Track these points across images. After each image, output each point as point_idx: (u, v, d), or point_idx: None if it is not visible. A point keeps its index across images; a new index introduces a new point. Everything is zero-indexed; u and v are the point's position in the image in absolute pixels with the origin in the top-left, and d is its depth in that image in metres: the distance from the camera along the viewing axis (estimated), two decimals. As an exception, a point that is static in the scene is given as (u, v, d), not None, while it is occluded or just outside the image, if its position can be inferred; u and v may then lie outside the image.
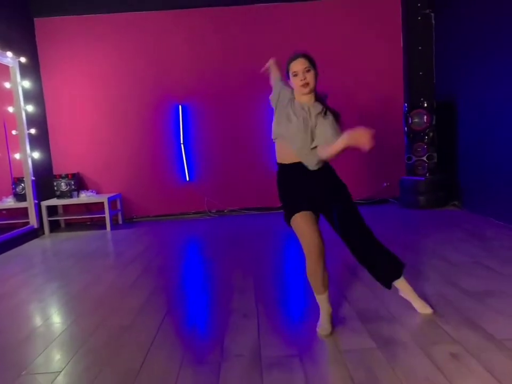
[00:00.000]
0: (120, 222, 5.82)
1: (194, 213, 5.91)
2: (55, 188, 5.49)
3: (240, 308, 2.57)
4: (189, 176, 5.84)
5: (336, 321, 2.28)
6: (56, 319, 2.63)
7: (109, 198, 5.40)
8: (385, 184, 5.83)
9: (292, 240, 4.06)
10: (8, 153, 5.11)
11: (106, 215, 5.36)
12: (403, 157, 5.59)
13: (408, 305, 2.39)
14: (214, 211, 5.89)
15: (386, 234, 4.14)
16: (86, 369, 2.00)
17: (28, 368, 2.04)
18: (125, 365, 2.02)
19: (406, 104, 5.42)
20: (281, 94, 2.40)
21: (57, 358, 2.13)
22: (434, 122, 5.22)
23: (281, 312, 2.48)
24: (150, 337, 2.26)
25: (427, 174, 5.29)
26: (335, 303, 2.52)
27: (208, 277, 3.32)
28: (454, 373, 1.74)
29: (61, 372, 1.98)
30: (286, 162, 2.28)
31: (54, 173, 5.71)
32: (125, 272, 3.50)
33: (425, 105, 5.25)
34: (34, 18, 5.55)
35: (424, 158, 5.28)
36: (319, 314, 2.25)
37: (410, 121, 5.32)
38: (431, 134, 5.26)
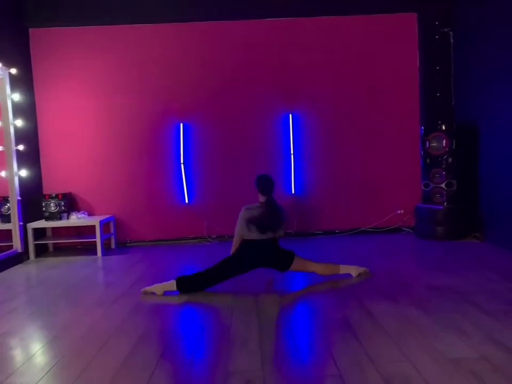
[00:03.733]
0: (113, 246, 5.41)
1: (193, 238, 5.49)
2: (44, 209, 5.09)
3: (242, 369, 2.13)
4: (188, 198, 5.45)
5: (361, 393, 1.85)
6: (20, 379, 2.19)
7: (101, 221, 5.00)
8: (399, 211, 5.42)
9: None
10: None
11: (98, 239, 4.95)
12: (419, 183, 5.20)
13: (450, 375, 1.95)
14: (214, 236, 5.47)
15: (404, 270, 3.74)
16: None
17: None
18: None
19: (422, 127, 5.06)
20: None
21: None
22: (454, 146, 4.84)
23: (296, 376, 2.05)
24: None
25: (445, 203, 4.89)
26: (355, 362, 2.08)
27: (206, 320, 2.88)
28: None
29: None
30: None
31: (44, 193, 5.33)
32: (111, 310, 3.07)
33: (444, 128, 4.89)
34: (29, 29, 5.25)
35: (443, 185, 4.89)
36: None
37: (427, 145, 4.94)
38: (450, 159, 4.88)
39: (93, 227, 5.01)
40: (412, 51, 5.36)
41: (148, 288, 3.41)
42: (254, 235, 3.39)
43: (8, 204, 4.82)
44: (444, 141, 4.85)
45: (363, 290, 3.25)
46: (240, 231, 3.45)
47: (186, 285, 3.33)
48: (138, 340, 2.54)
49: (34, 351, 2.47)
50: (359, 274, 3.54)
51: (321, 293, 3.29)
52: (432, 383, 1.91)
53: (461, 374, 1.97)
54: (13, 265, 4.60)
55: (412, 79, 5.37)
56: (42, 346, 2.54)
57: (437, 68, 5.18)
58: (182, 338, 2.58)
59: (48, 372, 2.21)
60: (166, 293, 3.35)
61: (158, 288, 3.37)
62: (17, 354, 2.45)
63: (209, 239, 5.44)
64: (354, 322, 2.63)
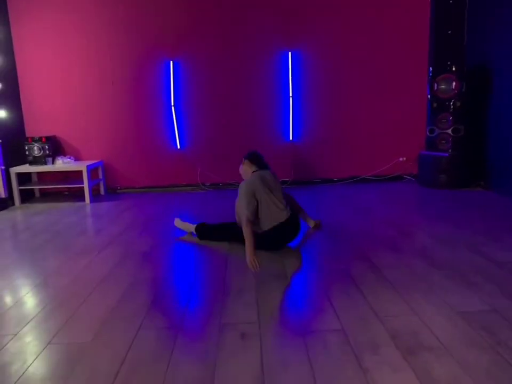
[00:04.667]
0: (102, 193, 5.19)
1: (185, 186, 5.27)
2: (27, 153, 4.81)
3: (237, 322, 1.98)
4: (180, 143, 5.17)
5: (365, 349, 1.71)
6: (4, 329, 2.04)
7: (88, 166, 4.74)
8: (401, 158, 5.19)
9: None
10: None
11: (85, 185, 4.72)
12: (424, 129, 4.93)
13: (458, 328, 1.81)
14: (208, 184, 5.25)
15: (408, 220, 3.56)
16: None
17: None
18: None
19: (431, 68, 4.71)
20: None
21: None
22: (463, 89, 4.53)
23: (291, 331, 1.90)
24: (116, 363, 1.68)
25: (451, 150, 4.65)
26: (360, 316, 1.93)
27: (198, 269, 2.72)
28: None
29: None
30: None
31: (27, 135, 5.01)
32: (100, 258, 2.90)
33: (454, 69, 4.55)
34: (0, -49, 4.70)
35: (449, 131, 4.62)
36: (341, 337, 1.67)
37: (436, 88, 4.62)
38: (458, 103, 4.58)
39: (81, 172, 4.76)
40: (424, -17, 4.89)
41: (180, 224, 3.39)
42: (279, 213, 2.89)
43: (-12, 147, 4.53)
44: (454, 83, 4.53)
45: (364, 239, 3.08)
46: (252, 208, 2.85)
47: (203, 234, 3.22)
48: (128, 288, 2.38)
49: (18, 298, 2.31)
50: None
51: (320, 242, 3.12)
52: (441, 337, 1.77)
53: (472, 327, 1.83)
54: (-3, 211, 4.40)
55: (421, 15, 4.94)
56: (27, 293, 2.38)
57: (450, 1, 4.73)
58: (174, 288, 2.43)
59: (32, 319, 2.06)
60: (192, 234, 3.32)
61: (187, 227, 3.35)
62: (13, 292, 2.29)
63: (203, 187, 5.23)
64: (357, 274, 2.47)
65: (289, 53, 4.99)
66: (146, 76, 5.03)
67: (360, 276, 2.44)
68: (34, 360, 1.74)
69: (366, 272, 2.49)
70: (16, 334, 1.95)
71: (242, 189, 2.90)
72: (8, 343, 1.88)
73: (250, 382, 1.54)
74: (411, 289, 2.23)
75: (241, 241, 2.75)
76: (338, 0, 4.92)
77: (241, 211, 2.82)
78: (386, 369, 1.58)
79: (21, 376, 1.63)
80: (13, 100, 4.84)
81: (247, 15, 4.91)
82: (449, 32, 4.80)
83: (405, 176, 5.21)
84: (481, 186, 4.63)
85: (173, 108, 5.07)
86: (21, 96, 5.00)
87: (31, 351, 1.81)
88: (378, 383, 1.51)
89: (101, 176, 5.13)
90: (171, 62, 4.99)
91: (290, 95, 5.06)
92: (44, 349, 1.81)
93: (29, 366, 1.69)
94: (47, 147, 4.82)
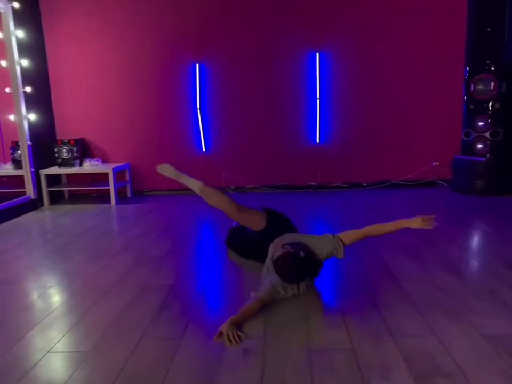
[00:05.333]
0: (129, 195, 5.23)
1: (210, 189, 5.21)
2: (56, 155, 4.92)
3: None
4: (205, 146, 5.13)
5: (374, 372, 1.57)
6: (10, 323, 2.04)
7: (114, 169, 4.79)
8: (434, 163, 4.93)
9: (317, 222, 3.34)
10: (-1, 113, 4.54)
11: (111, 187, 4.77)
12: (459, 132, 4.66)
13: (483, 354, 1.64)
14: (232, 187, 5.19)
15: (438, 229, 3.33)
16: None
17: None
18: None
19: (467, 68, 4.44)
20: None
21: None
22: (503, 90, 4.24)
23: (297, 349, 1.78)
24: (111, 375, 1.62)
25: (488, 154, 4.37)
26: (372, 335, 1.79)
27: (214, 274, 2.64)
28: None
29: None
30: None
31: (57, 138, 5.14)
32: (113, 263, 2.89)
33: (493, 68, 4.27)
34: (34, -42, 4.85)
35: (487, 135, 4.34)
36: (349, 358, 1.54)
37: (472, 88, 4.35)
38: (497, 104, 4.30)
39: (107, 175, 4.82)
40: (461, -22, 4.63)
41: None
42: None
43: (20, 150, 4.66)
44: (492, 84, 4.26)
45: (386, 248, 2.90)
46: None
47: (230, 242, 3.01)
48: (137, 294, 2.34)
49: (29, 302, 2.31)
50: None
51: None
52: (461, 362, 1.60)
53: (497, 353, 1.64)
54: (26, 212, 4.51)
55: (458, 11, 4.67)
56: (38, 297, 2.38)
57: (490, -3, 4.45)
58: (185, 295, 2.36)
59: (52, 312, 2.05)
60: None
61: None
62: (12, 304, 2.31)
63: (228, 190, 5.17)
64: (374, 285, 2.32)
65: (317, 54, 4.85)
66: (172, 79, 5.03)
67: (378, 287, 2.28)
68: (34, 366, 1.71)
69: (384, 283, 2.33)
70: (20, 339, 1.94)
71: (274, 282, 2.14)
72: (13, 346, 1.87)
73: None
74: (432, 305, 2.06)
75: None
76: (365, 2, 4.74)
77: (263, 286, 2.15)
78: (395, 396, 1.44)
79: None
80: (44, 103, 4.97)
81: (274, 17, 4.82)
82: (489, 29, 4.52)
83: (438, 181, 4.95)
84: (522, 193, 4.32)
85: (198, 110, 5.05)
86: (52, 100, 5.13)
87: (30, 357, 1.78)
88: (385, 413, 1.37)
89: (127, 178, 5.18)
90: (197, 64, 4.97)
91: (318, 97, 4.92)
92: (42, 357, 1.78)
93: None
94: (75, 149, 4.92)
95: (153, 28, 4.93)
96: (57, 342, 1.89)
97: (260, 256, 2.45)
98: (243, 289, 2.36)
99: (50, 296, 2.40)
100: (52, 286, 2.53)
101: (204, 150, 5.14)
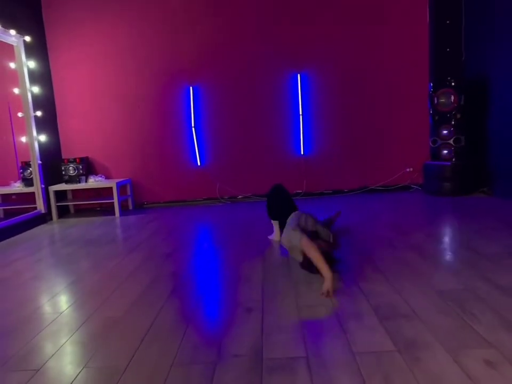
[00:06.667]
0: (131, 207, 5.66)
1: (206, 199, 5.69)
2: (63, 173, 5.34)
3: (245, 300, 2.33)
4: (200, 160, 5.61)
5: (350, 317, 2.02)
6: (48, 308, 2.44)
7: (117, 183, 5.22)
8: (408, 169, 5.47)
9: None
10: (13, 136, 4.97)
11: (115, 200, 5.19)
12: (427, 141, 5.22)
13: (432, 302, 2.11)
14: (226, 197, 5.65)
15: (409, 222, 3.86)
16: (69, 364, 1.80)
17: (8, 362, 1.85)
18: (111, 362, 1.81)
19: (431, 83, 5.03)
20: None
21: (40, 351, 1.93)
22: (462, 102, 4.82)
23: (289, 307, 2.23)
24: (141, 332, 2.04)
25: (453, 159, 4.92)
26: (350, 297, 2.25)
27: (213, 265, 3.09)
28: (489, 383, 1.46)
29: (38, 369, 1.79)
30: None
31: (63, 157, 5.57)
32: (126, 260, 3.31)
33: (453, 84, 4.86)
34: (41, -4, 5.37)
35: (451, 141, 4.90)
36: (332, 311, 1.98)
37: (436, 102, 4.93)
38: (458, 115, 4.87)
39: (111, 189, 5.25)
40: (422, 5, 5.27)
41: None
42: None
43: (30, 169, 5.07)
44: (452, 97, 4.84)
45: (366, 239, 3.38)
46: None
47: None
48: (152, 280, 2.76)
49: (57, 291, 2.72)
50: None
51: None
52: (416, 309, 2.06)
53: (445, 302, 2.11)
54: (38, 225, 4.90)
55: (421, 34, 5.30)
56: (65, 288, 2.79)
57: (447, 22, 5.09)
58: (191, 280, 2.79)
59: (69, 306, 2.46)
60: None
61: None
62: (43, 292, 2.71)
63: (222, 200, 5.63)
64: (355, 265, 2.78)
65: (298, 75, 5.42)
66: (169, 100, 5.54)
67: (357, 267, 2.75)
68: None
69: (361, 264, 2.80)
70: (58, 316, 2.35)
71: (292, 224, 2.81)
72: (54, 320, 2.28)
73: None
74: (398, 275, 2.53)
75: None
76: (341, 26, 5.34)
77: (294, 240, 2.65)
78: (365, 330, 1.89)
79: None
80: (51, 125, 5.42)
81: (259, 44, 5.39)
82: (448, 49, 5.15)
83: (412, 185, 5.48)
84: (484, 192, 4.85)
85: (193, 128, 5.55)
86: (58, 122, 5.59)
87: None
88: (357, 341, 1.82)
89: (129, 192, 5.61)
90: (191, 87, 5.49)
91: (301, 113, 5.46)
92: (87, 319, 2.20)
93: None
94: (81, 167, 5.35)
95: (151, 54, 5.45)
96: (96, 310, 2.30)
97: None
98: (239, 277, 2.80)
99: (77, 283, 2.81)
100: (76, 279, 2.94)
101: (199, 164, 5.61)
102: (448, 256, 2.84)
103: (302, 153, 5.54)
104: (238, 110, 5.52)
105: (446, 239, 3.25)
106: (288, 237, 2.78)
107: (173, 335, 2.00)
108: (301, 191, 5.53)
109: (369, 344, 1.78)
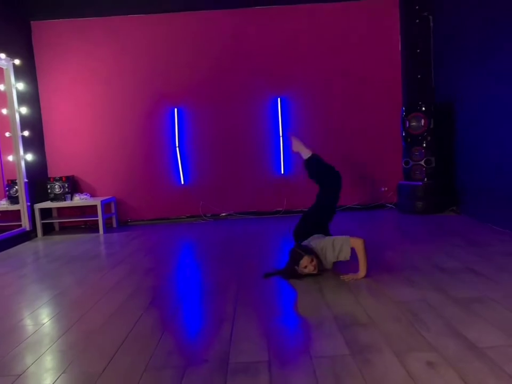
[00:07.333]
0: (115, 225, 5.78)
1: (189, 217, 5.84)
2: (49, 191, 5.47)
3: (218, 312, 2.49)
4: (184, 180, 5.79)
5: (312, 326, 2.19)
6: (29, 321, 2.57)
7: (102, 201, 5.36)
8: (383, 189, 5.72)
9: (286, 244, 4.00)
10: (0, 155, 5.10)
11: (99, 218, 5.32)
12: (400, 162, 5.48)
13: (389, 311, 2.29)
14: (209, 215, 5.82)
15: (380, 239, 4.06)
16: (49, 370, 1.93)
17: (-11, 370, 1.97)
18: (88, 368, 1.94)
19: (403, 108, 5.33)
20: None
21: (22, 358, 2.06)
22: (432, 125, 5.11)
23: (259, 317, 2.39)
24: (118, 340, 2.18)
25: (425, 179, 5.18)
26: (313, 308, 2.42)
27: (192, 279, 3.24)
28: (427, 383, 1.64)
29: (21, 374, 1.91)
30: None
31: (49, 175, 5.70)
32: (109, 274, 3.44)
33: (423, 108, 5.16)
34: (31, 21, 5.58)
35: (422, 163, 5.17)
36: (297, 321, 2.15)
37: (407, 125, 5.21)
38: (428, 137, 5.15)
39: (95, 207, 5.38)
40: (394, 35, 5.60)
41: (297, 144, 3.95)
42: None
43: (16, 187, 5.19)
44: (423, 121, 5.12)
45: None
46: None
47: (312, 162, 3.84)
48: (132, 293, 2.90)
49: (40, 305, 2.84)
50: None
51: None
52: (373, 317, 2.24)
53: (400, 311, 2.30)
54: (22, 242, 5.00)
55: (394, 62, 5.62)
56: (47, 301, 2.91)
57: (418, 51, 5.42)
58: (169, 292, 2.94)
59: (51, 318, 2.59)
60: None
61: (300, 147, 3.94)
62: (26, 306, 2.83)
63: (205, 218, 5.79)
64: (323, 279, 2.96)
65: (278, 99, 5.68)
66: (153, 121, 5.74)
67: (325, 279, 2.93)
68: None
69: (331, 277, 2.98)
70: (40, 326, 2.47)
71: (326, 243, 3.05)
72: (35, 331, 2.40)
73: (219, 347, 2.03)
74: (360, 287, 2.72)
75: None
76: (319, 55, 5.64)
77: (345, 246, 2.95)
78: (324, 338, 2.06)
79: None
80: (38, 144, 5.57)
81: (241, 68, 5.65)
82: (419, 76, 5.48)
83: (387, 204, 5.72)
84: (454, 211, 5.11)
85: (177, 148, 5.74)
86: (45, 141, 5.74)
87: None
88: (316, 346, 1.99)
89: (113, 210, 5.75)
90: (175, 108, 5.71)
91: (281, 134, 5.70)
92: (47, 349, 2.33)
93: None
94: (66, 185, 5.49)
95: (137, 76, 5.67)
96: (77, 321, 2.44)
97: None
98: (215, 290, 2.96)
99: (59, 297, 2.93)
100: (59, 293, 3.06)
101: (182, 182, 5.79)
102: (409, 270, 3.04)
103: (282, 172, 5.75)
104: (220, 131, 5.74)
105: (411, 255, 3.45)
106: (326, 243, 3.02)
107: (148, 342, 2.14)
108: (281, 209, 5.72)
109: (327, 349, 1.95)
